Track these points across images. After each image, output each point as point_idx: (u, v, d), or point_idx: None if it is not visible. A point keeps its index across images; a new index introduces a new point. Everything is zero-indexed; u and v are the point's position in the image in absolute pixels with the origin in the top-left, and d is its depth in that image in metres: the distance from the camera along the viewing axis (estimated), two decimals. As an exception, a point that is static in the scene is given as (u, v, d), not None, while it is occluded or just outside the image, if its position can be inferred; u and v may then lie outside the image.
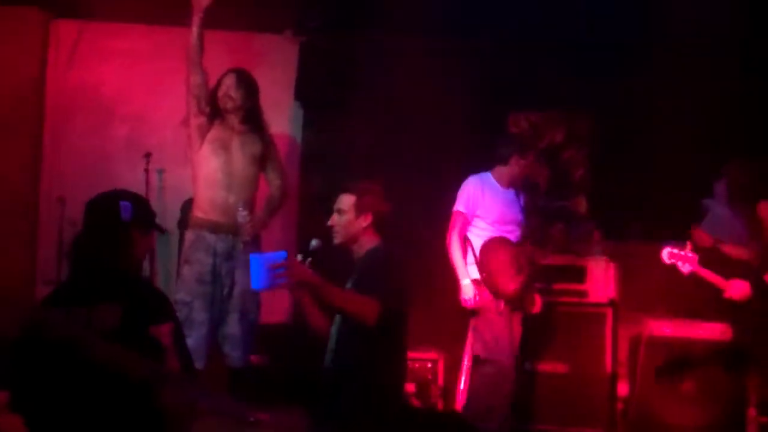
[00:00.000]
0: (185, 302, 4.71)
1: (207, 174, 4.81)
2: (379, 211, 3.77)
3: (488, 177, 5.26)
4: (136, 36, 6.14)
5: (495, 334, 5.00)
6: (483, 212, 5.18)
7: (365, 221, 3.74)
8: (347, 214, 3.76)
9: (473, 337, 5.17)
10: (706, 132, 5.75)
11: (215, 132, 4.86)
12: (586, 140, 6.27)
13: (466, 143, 5.86)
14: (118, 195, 3.16)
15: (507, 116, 6.27)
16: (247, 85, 4.96)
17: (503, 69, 6.02)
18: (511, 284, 4.99)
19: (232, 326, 4.76)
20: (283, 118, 5.19)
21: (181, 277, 4.83)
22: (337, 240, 3.80)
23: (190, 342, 4.53)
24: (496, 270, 5.00)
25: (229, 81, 4.95)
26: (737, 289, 5.00)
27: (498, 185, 5.25)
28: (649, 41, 5.79)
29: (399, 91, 5.85)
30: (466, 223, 5.18)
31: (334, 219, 3.80)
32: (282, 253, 3.40)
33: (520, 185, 5.32)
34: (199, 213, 4.83)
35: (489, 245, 5.06)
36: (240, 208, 4.72)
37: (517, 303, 5.05)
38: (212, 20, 5.83)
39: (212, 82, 4.90)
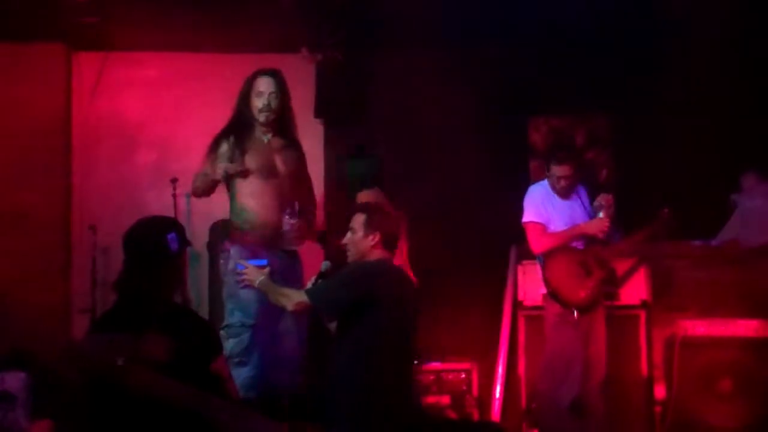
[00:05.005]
0: (246, 325, 4.27)
1: (259, 200, 4.43)
2: (388, 229, 3.88)
3: (549, 186, 5.07)
4: (157, 64, 6.23)
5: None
6: (551, 221, 5.02)
7: (374, 239, 3.85)
8: (357, 233, 3.89)
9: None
10: (730, 125, 5.68)
11: (255, 158, 4.42)
12: (607, 141, 6.22)
13: (487, 153, 5.85)
14: (162, 227, 3.13)
15: (526, 123, 6.24)
16: (284, 90, 4.43)
17: (518, 76, 6.00)
18: (580, 291, 4.92)
19: (288, 347, 4.43)
20: (306, 136, 5.20)
21: (235, 297, 4.32)
22: (349, 258, 3.93)
23: (249, 369, 4.28)
24: (559, 279, 4.92)
25: (266, 87, 4.38)
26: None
27: (558, 196, 5.07)
28: (656, 35, 5.76)
29: (417, 104, 5.90)
30: (545, 229, 5.00)
31: (347, 237, 3.93)
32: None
33: (579, 188, 5.13)
34: (247, 228, 4.40)
35: (548, 256, 4.97)
36: (286, 216, 4.34)
37: (589, 308, 4.93)
38: (227, 42, 5.93)
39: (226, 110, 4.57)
